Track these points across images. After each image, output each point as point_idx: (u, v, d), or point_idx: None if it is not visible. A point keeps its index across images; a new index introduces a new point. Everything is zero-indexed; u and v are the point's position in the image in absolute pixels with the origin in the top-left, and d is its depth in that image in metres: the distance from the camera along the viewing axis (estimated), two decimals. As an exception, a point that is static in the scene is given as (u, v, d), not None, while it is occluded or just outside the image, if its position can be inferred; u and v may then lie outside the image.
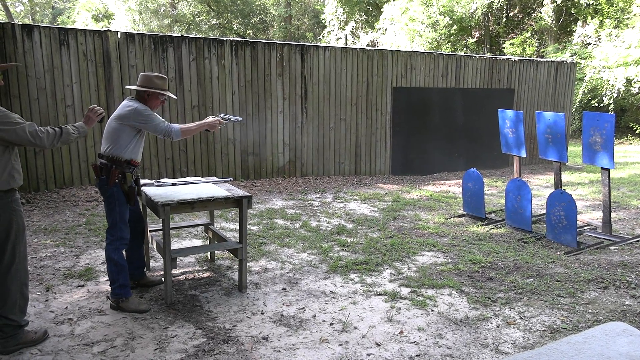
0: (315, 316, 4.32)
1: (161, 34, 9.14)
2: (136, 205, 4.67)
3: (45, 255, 5.73)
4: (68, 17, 34.27)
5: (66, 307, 4.45)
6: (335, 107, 10.66)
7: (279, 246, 6.19)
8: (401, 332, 4.03)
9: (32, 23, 9.83)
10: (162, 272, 5.18)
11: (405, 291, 4.85)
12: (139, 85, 4.46)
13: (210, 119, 4.75)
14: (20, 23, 8.10)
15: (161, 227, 5.27)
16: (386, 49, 11.20)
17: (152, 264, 5.48)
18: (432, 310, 4.44)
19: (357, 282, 5.07)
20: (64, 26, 9.83)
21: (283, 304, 4.56)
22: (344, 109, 10.74)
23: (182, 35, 9.21)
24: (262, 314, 4.36)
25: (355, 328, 4.11)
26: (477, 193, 7.41)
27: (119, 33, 8.75)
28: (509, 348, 3.81)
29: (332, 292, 4.83)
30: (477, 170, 7.48)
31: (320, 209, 8.09)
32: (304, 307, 4.50)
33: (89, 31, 8.61)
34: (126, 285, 4.41)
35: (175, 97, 4.99)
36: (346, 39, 26.19)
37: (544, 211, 7.72)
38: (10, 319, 3.65)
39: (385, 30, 24.14)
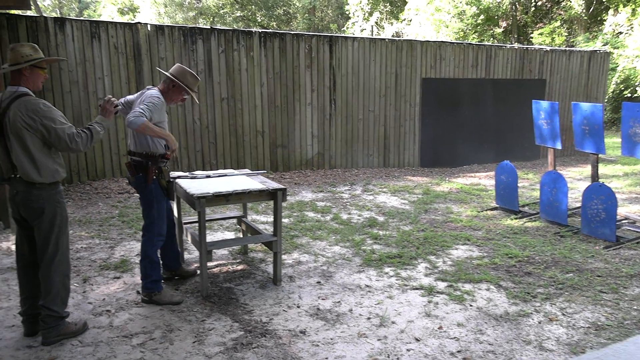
0: (351, 310, 4.28)
1: (191, 25, 9.14)
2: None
3: (81, 247, 5.79)
4: (94, 11, 34.63)
5: (103, 299, 4.48)
6: (364, 98, 10.56)
7: (311, 239, 6.16)
8: (440, 327, 3.97)
9: (68, 17, 9.94)
10: (196, 265, 5.18)
11: (441, 285, 4.78)
12: (172, 74, 4.37)
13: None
14: (53, 16, 8.17)
15: (195, 220, 5.31)
16: (415, 39, 11.05)
17: (186, 256, 5.49)
18: (471, 305, 4.36)
19: (392, 276, 5.01)
20: (95, 19, 9.91)
21: (319, 298, 4.52)
22: (372, 100, 10.64)
23: (211, 27, 9.20)
24: (298, 307, 4.34)
25: (393, 323, 4.06)
26: (510, 186, 7.27)
27: (149, 25, 8.78)
28: (552, 345, 3.72)
29: (367, 286, 4.78)
30: (510, 163, 7.34)
31: (350, 202, 8.03)
32: (339, 301, 4.46)
33: (119, 24, 8.66)
34: (158, 280, 4.43)
35: (198, 102, 4.88)
36: (372, 30, 25.98)
37: (578, 204, 7.54)
38: (53, 310, 3.69)
39: (410, 21, 23.87)
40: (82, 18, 10.97)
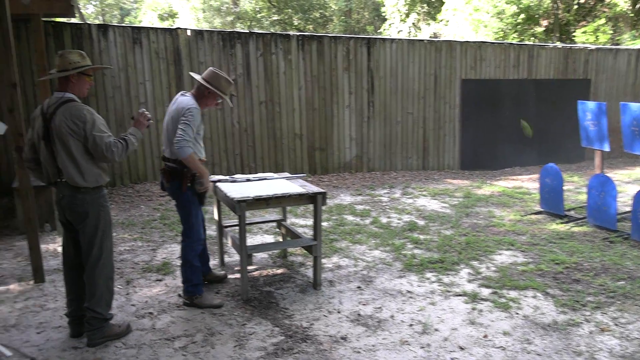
0: (393, 316, 4.21)
1: (229, 30, 9.22)
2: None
3: (124, 249, 5.88)
4: (135, 17, 35.39)
5: (146, 301, 4.53)
6: (402, 100, 10.45)
7: (350, 243, 6.10)
8: (485, 336, 3.86)
9: (107, 23, 10.22)
10: (236, 268, 5.19)
11: (485, 292, 4.66)
12: (206, 79, 4.30)
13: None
14: (97, 23, 8.36)
15: (235, 223, 5.32)
16: (454, 39, 10.88)
17: (226, 259, 5.50)
18: (517, 314, 4.23)
19: (434, 282, 4.91)
20: (136, 25, 10.10)
21: (359, 303, 4.46)
22: (411, 102, 10.52)
23: (249, 31, 9.26)
24: (339, 312, 4.29)
25: (436, 330, 3.97)
26: (555, 189, 7.05)
27: (188, 30, 8.89)
28: (605, 357, 3.56)
29: (408, 292, 4.69)
30: (555, 165, 7.13)
31: (389, 205, 7.94)
32: (380, 307, 4.39)
33: (160, 29, 8.80)
34: (199, 284, 4.45)
35: (232, 105, 4.83)
36: (409, 32, 25.76)
37: (627, 208, 7.26)
38: (97, 312, 3.74)
39: (448, 21, 23.54)
40: (124, 24, 11.22)
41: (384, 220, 7.09)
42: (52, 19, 7.89)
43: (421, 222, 6.98)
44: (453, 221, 7.00)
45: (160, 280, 5.01)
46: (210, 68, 4.44)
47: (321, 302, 4.49)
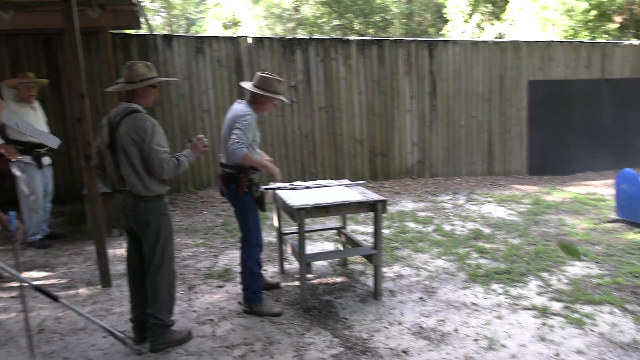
0: (457, 330, 4.04)
1: (290, 36, 9.27)
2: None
3: (187, 255, 5.97)
4: (200, 27, 36.38)
5: (207, 308, 4.56)
6: (466, 103, 10.16)
7: (412, 251, 5.95)
8: (557, 354, 3.63)
9: (172, 34, 10.56)
10: (295, 276, 5.16)
11: (557, 306, 4.39)
12: (257, 85, 4.32)
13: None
14: (162, 34, 8.60)
15: (294, 231, 5.29)
16: (520, 39, 10.48)
17: (286, 266, 5.48)
18: (592, 331, 3.96)
19: (500, 294, 4.69)
20: (199, 34, 10.34)
21: (421, 315, 4.32)
22: (475, 105, 10.21)
23: (309, 37, 9.27)
24: (400, 324, 4.16)
25: (503, 346, 3.77)
26: (634, 196, 6.61)
27: (249, 38, 9.00)
28: (693, 381, 3.27)
29: (473, 304, 4.50)
30: (632, 170, 6.69)
31: (453, 212, 7.71)
32: (444, 319, 4.23)
33: (222, 38, 8.96)
34: (259, 291, 4.44)
35: (289, 102, 4.79)
36: (472, 33, 25.15)
37: None
38: (159, 319, 3.78)
39: (513, 21, 22.79)
40: (187, 34, 11.52)
41: (447, 227, 6.88)
42: (120, 32, 8.18)
43: (487, 230, 6.72)
44: (521, 229, 6.70)
45: (221, 286, 5.04)
46: (258, 73, 4.43)
47: (382, 313, 4.38)
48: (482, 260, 5.58)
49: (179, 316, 4.38)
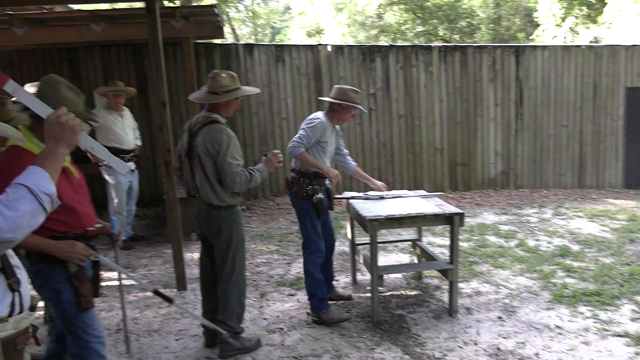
0: (538, 354, 3.77)
1: (369, 44, 9.19)
2: (326, 220, 4.63)
3: (261, 262, 6.02)
4: (285, 35, 37.14)
5: (278, 316, 4.55)
6: (555, 112, 9.61)
7: (492, 267, 5.66)
8: (653, 389, 3.28)
9: (253, 42, 10.83)
10: (367, 288, 5.04)
11: (653, 335, 4.00)
12: (334, 97, 4.44)
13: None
14: (243, 43, 8.80)
15: (368, 241, 5.17)
16: (618, 44, 9.79)
17: (358, 277, 5.38)
18: (695, 364, 3.56)
19: (588, 317, 4.34)
20: (279, 43, 10.49)
21: (499, 336, 4.07)
22: (565, 114, 9.64)
23: (389, 45, 9.16)
24: (475, 344, 3.94)
25: (590, 375, 3.47)
26: None
27: (329, 46, 9.01)
28: None
29: (557, 327, 4.19)
30: None
31: (538, 226, 7.28)
32: (523, 342, 3.96)
33: (302, 46, 9.03)
34: (324, 298, 4.39)
35: (367, 111, 4.80)
36: (565, 37, 23.95)
37: None
38: (229, 326, 3.80)
39: (611, 24, 21.45)
40: (268, 43, 11.74)
41: (531, 243, 6.51)
42: (205, 41, 8.45)
43: (575, 247, 6.28)
44: (614, 247, 6.20)
45: (292, 295, 5.02)
46: (335, 86, 4.57)
47: (456, 331, 4.17)
48: (569, 280, 5.21)
49: (250, 323, 4.40)
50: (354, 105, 4.43)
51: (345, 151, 4.95)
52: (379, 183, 4.99)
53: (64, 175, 2.68)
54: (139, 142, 6.79)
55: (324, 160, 4.42)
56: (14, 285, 1.80)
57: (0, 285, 1.76)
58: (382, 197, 4.87)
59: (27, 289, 1.88)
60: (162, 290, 3.42)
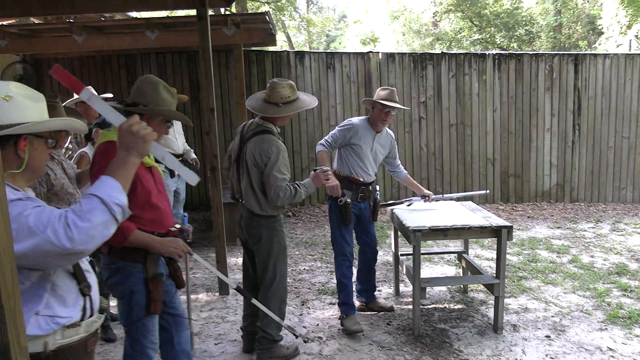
0: (587, 377, 3.58)
1: (421, 52, 9.09)
2: (367, 229, 4.61)
3: (304, 269, 6.01)
4: (339, 43, 37.27)
5: (317, 324, 4.52)
6: (616, 123, 9.20)
7: (542, 283, 5.44)
8: None
9: (306, 50, 10.93)
10: (410, 299, 4.94)
11: None
12: (366, 99, 4.66)
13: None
14: (295, 50, 8.86)
15: (411, 252, 5.08)
16: (686, 52, 9.28)
17: (401, 288, 5.29)
18: None
19: (644, 341, 4.10)
20: (330, 51, 10.52)
21: (546, 355, 3.90)
22: (627, 125, 9.21)
23: (441, 52, 9.01)
24: (521, 364, 3.79)
25: (643, 403, 3.26)
26: None
27: (380, 54, 8.95)
28: None
29: (609, 349, 3.98)
30: None
31: (593, 242, 6.97)
32: (572, 363, 3.78)
33: (352, 54, 9.02)
34: (347, 303, 4.38)
35: (406, 108, 4.67)
36: (630, 45, 22.96)
37: None
38: (267, 333, 3.79)
39: (681, 31, 20.39)
40: (319, 50, 11.80)
41: (585, 259, 6.23)
42: (257, 48, 8.57)
43: (634, 265, 5.97)
44: (676, 267, 5.87)
45: (333, 304, 4.98)
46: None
47: (501, 348, 4.03)
48: (624, 300, 4.94)
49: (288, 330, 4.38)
50: (384, 103, 4.33)
51: (398, 161, 4.91)
52: (427, 192, 4.93)
53: (151, 175, 2.79)
54: (187, 147, 6.92)
55: (359, 163, 4.43)
56: (85, 290, 1.82)
57: (72, 290, 1.79)
58: (410, 202, 4.87)
59: (97, 293, 1.91)
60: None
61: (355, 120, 4.49)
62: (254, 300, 3.40)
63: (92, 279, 1.88)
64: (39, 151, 1.79)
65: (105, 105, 1.77)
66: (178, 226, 2.94)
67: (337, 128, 4.51)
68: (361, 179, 4.43)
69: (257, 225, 3.70)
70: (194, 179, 1.93)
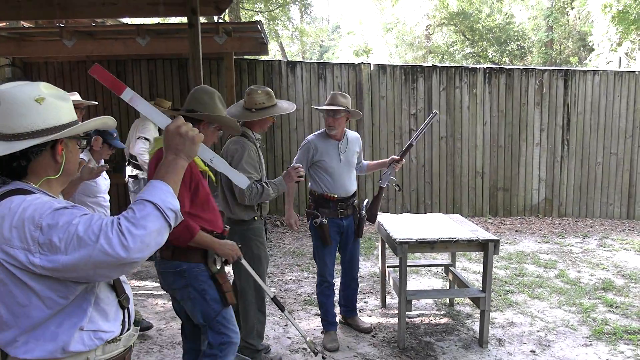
0: (571, 393, 3.57)
1: (412, 64, 9.13)
2: (350, 246, 4.45)
3: (290, 279, 5.97)
4: (333, 54, 37.43)
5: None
6: (604, 139, 9.26)
7: (528, 297, 5.44)
8: None
9: (298, 60, 10.96)
10: (395, 312, 4.92)
11: (700, 381, 3.73)
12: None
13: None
14: (286, 60, 8.88)
15: (398, 264, 5.06)
16: (674, 70, 9.38)
17: (387, 300, 5.26)
18: None
19: (629, 357, 4.10)
20: (321, 61, 10.54)
21: (531, 371, 3.89)
22: (615, 141, 9.27)
23: (433, 65, 9.06)
24: (505, 378, 3.77)
25: (626, 420, 3.25)
26: None
27: (371, 65, 8.98)
28: None
29: (594, 365, 3.97)
30: None
31: (581, 257, 6.99)
32: (557, 379, 3.76)
33: (344, 64, 9.03)
34: (326, 319, 4.37)
35: (342, 108, 4.35)
36: (620, 62, 23.21)
37: None
38: (249, 343, 3.76)
39: (670, 49, 20.64)
40: (310, 61, 11.82)
41: (572, 274, 6.23)
42: (249, 57, 8.56)
43: (619, 281, 5.99)
44: (662, 284, 5.88)
45: (318, 314, 4.92)
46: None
47: (485, 363, 4.01)
48: (610, 315, 4.94)
49: (273, 341, 4.35)
50: (319, 108, 4.44)
51: (362, 160, 4.68)
52: (392, 157, 4.55)
53: (204, 178, 2.91)
54: None
55: (328, 179, 4.25)
56: (124, 302, 1.74)
57: (112, 303, 1.70)
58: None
59: (133, 305, 1.84)
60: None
61: (311, 137, 4.36)
62: (285, 312, 3.40)
63: (129, 290, 1.80)
64: (74, 153, 1.72)
65: (149, 107, 1.70)
66: (228, 227, 3.10)
67: (298, 151, 4.40)
68: (335, 195, 4.25)
69: (231, 232, 3.67)
70: (243, 181, 1.89)
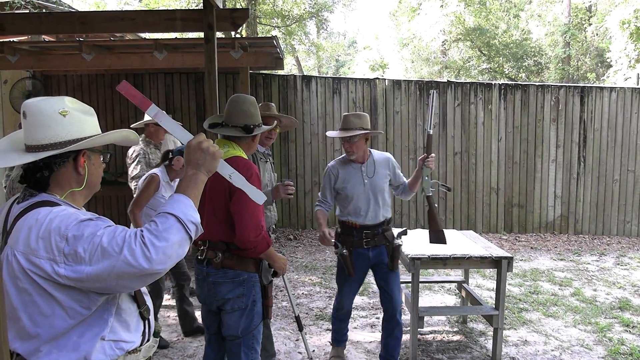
0: (586, 415, 3.51)
1: (427, 79, 9.14)
2: (386, 280, 3.96)
3: (302, 293, 5.96)
4: (348, 68, 37.57)
5: (313, 350, 4.46)
6: (622, 156, 9.17)
7: (543, 315, 5.37)
8: None
9: (313, 75, 11.03)
10: (407, 328, 4.88)
11: None
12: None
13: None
14: (301, 75, 8.94)
15: (410, 280, 5.03)
16: (693, 88, 9.28)
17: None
18: None
19: (645, 379, 4.02)
20: (337, 76, 10.61)
21: (544, 391, 3.83)
22: (632, 158, 9.17)
23: (447, 81, 9.06)
24: (518, 398, 3.72)
25: None
26: None
27: (386, 80, 9.01)
28: None
29: (610, 387, 3.90)
30: None
31: (597, 275, 6.89)
32: (571, 400, 3.70)
33: (359, 79, 9.08)
34: (336, 339, 4.29)
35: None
36: (638, 79, 23.01)
37: None
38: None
39: (690, 66, 20.42)
40: (325, 75, 11.89)
41: (588, 293, 6.15)
42: (265, 72, 8.65)
43: (637, 301, 5.89)
44: (680, 304, 5.78)
45: (330, 330, 4.91)
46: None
47: (498, 382, 3.96)
48: (626, 335, 4.86)
49: (284, 356, 4.34)
50: (336, 136, 3.87)
51: (403, 180, 4.23)
52: (422, 158, 3.93)
53: None
54: None
55: (351, 205, 3.88)
56: (145, 313, 1.76)
57: (133, 314, 1.72)
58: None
59: (153, 316, 1.85)
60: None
61: (332, 163, 4.03)
62: (302, 333, 3.40)
63: (149, 301, 1.82)
64: (96, 166, 1.76)
65: (172, 122, 1.74)
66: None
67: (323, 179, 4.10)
68: (359, 223, 3.86)
69: None
70: (260, 197, 1.91)
